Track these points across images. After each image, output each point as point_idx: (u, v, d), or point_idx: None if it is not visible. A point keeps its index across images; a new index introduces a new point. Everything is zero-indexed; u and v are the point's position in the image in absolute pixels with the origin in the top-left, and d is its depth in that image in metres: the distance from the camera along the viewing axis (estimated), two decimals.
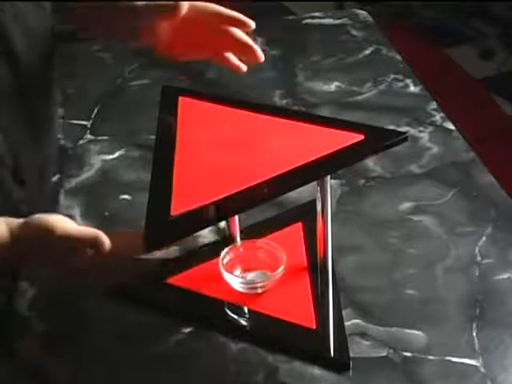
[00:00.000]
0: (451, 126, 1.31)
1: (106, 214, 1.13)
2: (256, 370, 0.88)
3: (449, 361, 0.89)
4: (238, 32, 0.97)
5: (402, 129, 1.28)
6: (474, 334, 0.92)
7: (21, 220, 0.82)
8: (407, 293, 0.98)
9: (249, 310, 0.96)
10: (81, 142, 1.31)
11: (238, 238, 1.03)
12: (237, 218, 1.02)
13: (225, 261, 0.98)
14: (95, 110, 1.39)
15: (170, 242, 1.00)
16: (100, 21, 1.00)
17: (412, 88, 1.42)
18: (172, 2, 0.92)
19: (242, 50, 0.98)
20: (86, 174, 1.22)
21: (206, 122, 0.94)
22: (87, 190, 1.18)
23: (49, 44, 0.99)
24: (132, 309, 0.97)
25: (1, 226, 0.80)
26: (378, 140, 0.88)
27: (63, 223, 0.82)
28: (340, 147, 0.87)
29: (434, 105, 1.37)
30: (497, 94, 2.83)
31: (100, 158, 1.26)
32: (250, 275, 0.99)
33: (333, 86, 1.44)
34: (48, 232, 0.80)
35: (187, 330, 0.94)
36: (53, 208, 1.12)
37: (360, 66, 1.51)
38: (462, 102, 2.72)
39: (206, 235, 1.08)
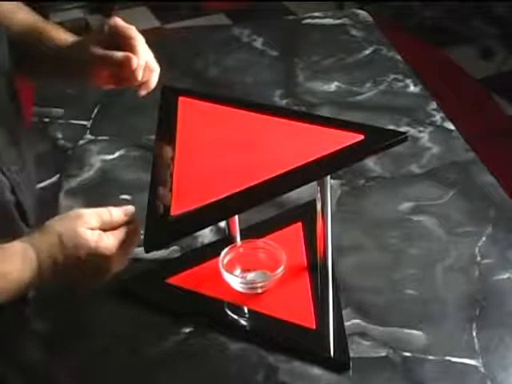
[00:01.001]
0: (451, 126, 1.31)
1: None
2: (256, 370, 0.88)
3: (449, 361, 0.89)
4: None
5: (402, 129, 1.28)
6: (474, 334, 0.92)
7: (34, 233, 0.80)
8: (407, 293, 0.98)
9: (249, 310, 0.96)
10: (81, 141, 1.31)
11: (238, 238, 1.03)
12: (237, 217, 1.02)
13: (225, 261, 0.98)
14: (95, 110, 1.39)
15: (170, 242, 1.00)
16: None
17: (412, 88, 1.42)
18: (122, 56, 0.92)
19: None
20: (86, 174, 1.22)
21: (206, 122, 0.94)
22: (87, 190, 1.18)
23: (11, 74, 0.97)
24: (132, 309, 0.97)
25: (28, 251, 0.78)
26: (378, 140, 0.88)
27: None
28: (340, 147, 0.87)
29: (433, 105, 1.37)
30: (497, 93, 2.83)
31: (100, 158, 1.26)
32: (250, 275, 0.99)
33: (333, 86, 1.44)
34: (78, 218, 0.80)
35: (187, 329, 0.94)
36: None
37: (360, 66, 1.51)
38: (462, 102, 2.72)
39: (206, 235, 1.08)
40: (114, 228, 0.81)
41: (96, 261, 0.79)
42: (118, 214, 0.82)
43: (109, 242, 0.79)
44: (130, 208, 0.84)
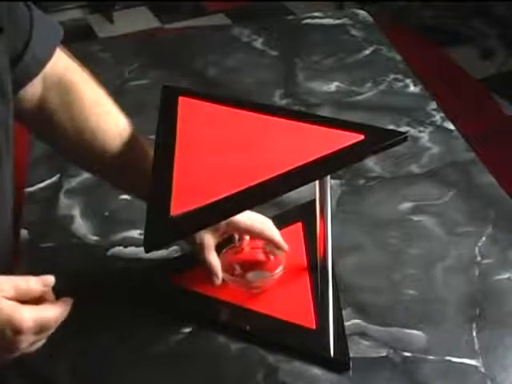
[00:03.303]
0: (451, 126, 1.31)
1: (106, 214, 1.13)
2: (256, 370, 0.88)
3: (449, 361, 0.89)
4: None
5: (402, 129, 1.28)
6: (474, 333, 0.92)
7: None
8: (407, 293, 0.98)
9: (249, 310, 0.96)
10: None
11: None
12: None
13: (225, 261, 0.98)
14: None
15: (170, 242, 1.00)
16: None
17: (412, 88, 1.42)
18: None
19: None
20: (86, 174, 1.21)
21: (206, 122, 0.94)
22: (87, 190, 1.18)
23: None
24: (132, 309, 0.97)
25: None
26: (378, 140, 0.88)
27: None
28: (340, 147, 0.87)
29: (433, 105, 1.37)
30: (497, 93, 2.83)
31: None
32: (250, 275, 0.99)
33: (333, 86, 1.44)
34: None
35: (187, 329, 0.94)
36: None
37: (360, 66, 1.51)
38: (462, 102, 2.72)
39: None
40: (32, 301, 0.72)
41: (5, 335, 0.68)
42: (35, 284, 0.72)
43: (25, 314, 0.69)
44: (50, 279, 0.73)
